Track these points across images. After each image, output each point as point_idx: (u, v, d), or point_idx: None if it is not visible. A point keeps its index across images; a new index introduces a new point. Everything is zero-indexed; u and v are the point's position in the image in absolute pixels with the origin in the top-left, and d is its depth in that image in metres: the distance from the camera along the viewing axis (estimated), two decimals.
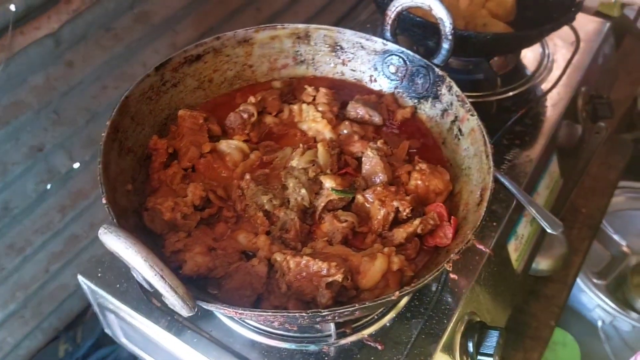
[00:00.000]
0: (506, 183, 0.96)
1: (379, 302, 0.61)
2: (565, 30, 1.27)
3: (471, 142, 0.80)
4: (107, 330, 0.91)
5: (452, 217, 0.76)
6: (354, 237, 0.75)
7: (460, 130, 0.84)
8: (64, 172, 1.21)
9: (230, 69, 0.96)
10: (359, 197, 0.77)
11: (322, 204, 0.75)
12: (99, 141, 1.24)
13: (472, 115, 0.80)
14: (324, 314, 0.60)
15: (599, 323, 1.60)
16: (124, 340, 0.90)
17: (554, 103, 1.15)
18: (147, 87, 0.85)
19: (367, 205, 0.76)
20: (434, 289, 0.84)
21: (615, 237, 1.67)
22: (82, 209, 1.27)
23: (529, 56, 1.25)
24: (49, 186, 1.19)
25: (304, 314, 0.60)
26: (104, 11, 1.14)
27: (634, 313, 1.57)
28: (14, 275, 1.23)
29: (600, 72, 1.31)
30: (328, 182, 0.76)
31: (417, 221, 0.74)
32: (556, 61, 1.24)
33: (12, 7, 0.98)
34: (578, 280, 1.53)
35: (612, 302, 1.56)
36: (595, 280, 1.59)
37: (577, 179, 1.22)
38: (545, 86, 1.18)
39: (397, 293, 0.60)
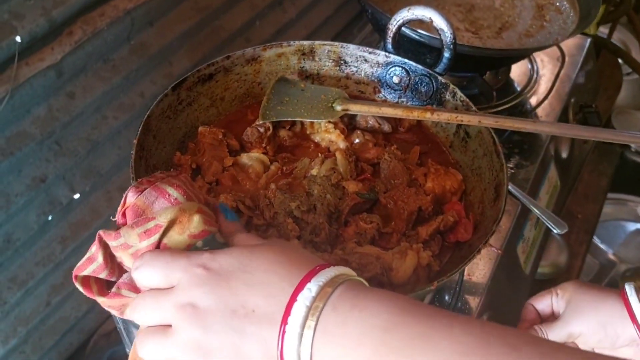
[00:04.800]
0: (511, 189, 1.00)
1: (419, 292, 0.63)
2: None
3: (479, 144, 0.84)
4: (128, 350, 0.91)
5: (471, 213, 0.79)
6: (380, 238, 0.78)
7: (467, 133, 0.88)
8: (65, 203, 1.21)
9: (240, 87, 0.99)
10: (382, 200, 0.79)
11: (347, 208, 0.78)
12: (99, 172, 1.26)
13: None
14: None
15: None
16: None
17: (547, 113, 1.21)
18: (166, 106, 0.87)
19: (390, 207, 0.79)
20: (452, 291, 0.86)
21: (603, 246, 1.72)
22: (82, 240, 1.26)
23: (519, 72, 1.31)
24: (50, 217, 1.19)
25: None
26: (102, 42, 1.16)
27: None
28: (16, 309, 1.21)
29: (585, 84, 1.37)
30: (351, 187, 0.79)
31: (438, 218, 0.77)
32: (544, 75, 1.31)
33: (18, 39, 1.00)
34: None
35: None
36: None
37: (571, 187, 1.27)
38: (537, 98, 1.24)
39: (435, 283, 0.63)
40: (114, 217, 0.64)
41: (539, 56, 1.35)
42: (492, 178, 0.80)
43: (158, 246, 0.58)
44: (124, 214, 0.61)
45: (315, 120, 0.93)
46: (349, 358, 0.48)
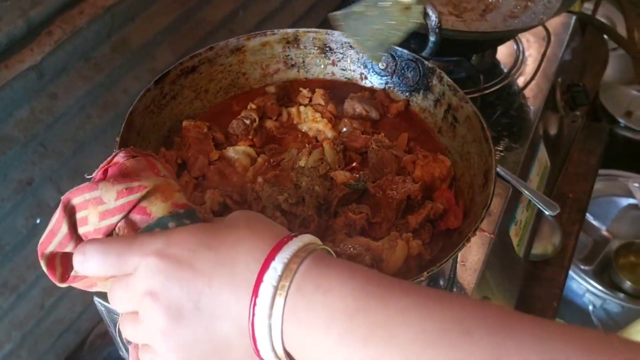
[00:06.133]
0: (501, 172, 0.99)
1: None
2: None
3: (468, 129, 0.84)
4: (121, 353, 0.91)
5: (460, 200, 0.79)
6: (370, 228, 0.78)
7: (455, 118, 0.87)
8: (53, 206, 1.19)
9: (225, 78, 0.99)
10: (371, 189, 0.79)
11: (336, 199, 0.77)
12: (85, 172, 1.24)
13: (465, 102, 0.84)
14: None
15: (590, 307, 1.65)
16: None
17: (534, 94, 1.20)
18: (149, 101, 0.86)
19: (379, 196, 0.78)
20: (446, 278, 0.86)
21: (596, 223, 1.73)
22: None
23: (505, 53, 1.30)
24: (38, 220, 1.17)
25: None
26: (83, 41, 1.14)
27: (621, 294, 1.62)
28: (9, 314, 1.20)
29: (572, 63, 1.37)
30: (339, 177, 0.78)
31: (428, 206, 0.76)
32: (531, 56, 1.30)
33: None
34: None
35: (600, 286, 1.61)
36: (582, 266, 1.64)
37: (560, 166, 1.27)
38: (524, 79, 1.24)
39: (425, 274, 0.63)
40: (89, 174, 0.61)
41: (524, 37, 1.35)
42: (481, 163, 0.79)
43: (134, 207, 0.55)
44: (105, 171, 0.58)
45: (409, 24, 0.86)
46: (318, 344, 0.48)
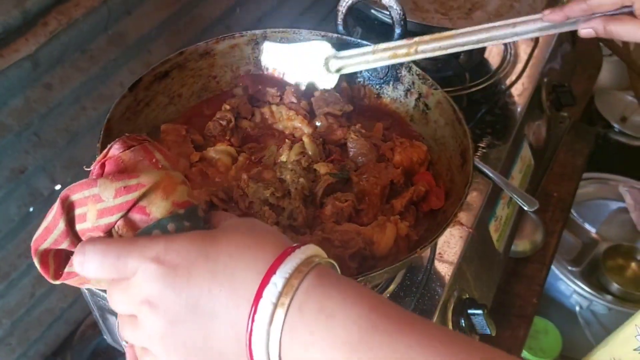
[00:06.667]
0: (482, 167, 1.01)
1: (405, 260, 0.69)
2: None
3: (440, 114, 0.87)
4: (106, 337, 0.92)
5: (440, 181, 0.81)
6: (357, 215, 0.80)
7: (426, 105, 0.90)
8: (47, 195, 1.21)
9: (196, 82, 1.00)
10: (354, 178, 0.81)
11: (322, 189, 0.79)
12: (80, 162, 1.26)
13: (435, 89, 0.88)
14: (359, 279, 0.65)
15: (577, 308, 1.66)
16: (125, 344, 0.91)
17: (519, 93, 1.22)
18: (124, 108, 0.88)
19: (362, 184, 0.80)
20: (423, 268, 0.88)
21: (585, 225, 1.74)
22: None
23: (493, 52, 1.32)
24: (31, 209, 1.19)
25: None
26: (79, 32, 1.16)
27: (608, 296, 1.63)
28: (0, 301, 1.22)
29: (560, 64, 1.39)
30: (322, 169, 0.80)
31: (410, 189, 0.79)
32: (518, 55, 1.32)
33: None
34: (554, 268, 1.59)
35: (587, 287, 1.62)
36: (570, 268, 1.65)
37: (546, 166, 1.28)
38: (510, 79, 1.26)
39: (418, 250, 0.66)
40: (88, 167, 0.59)
41: None
42: (457, 145, 0.82)
43: (132, 206, 0.54)
44: (102, 165, 0.57)
45: (316, 84, 0.93)
46: None
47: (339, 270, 0.54)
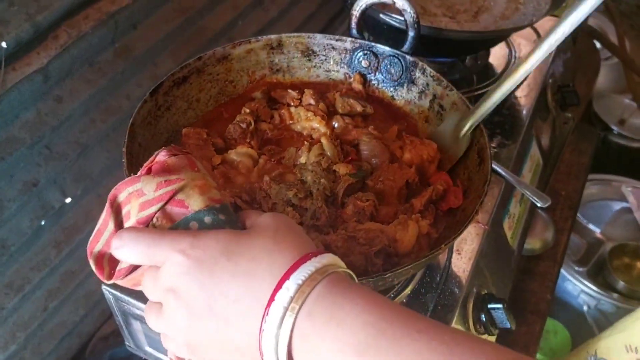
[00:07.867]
0: (494, 166, 1.02)
1: (430, 256, 0.69)
2: (527, 30, 1.37)
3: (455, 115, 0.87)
4: (128, 344, 0.92)
5: (458, 180, 0.82)
6: (377, 214, 0.81)
7: (441, 106, 0.91)
8: (58, 207, 1.21)
9: (213, 87, 1.02)
10: (369, 182, 0.83)
11: (342, 189, 0.80)
12: (90, 175, 1.27)
13: (450, 90, 0.89)
14: (387, 275, 0.66)
15: (585, 308, 1.67)
16: (148, 349, 0.91)
17: (525, 94, 1.24)
18: (146, 113, 0.89)
19: (379, 187, 0.81)
20: (442, 265, 0.88)
21: (590, 226, 1.76)
22: (76, 243, 1.27)
23: (498, 56, 1.34)
24: (43, 222, 1.19)
25: (369, 279, 0.65)
26: (88, 45, 1.17)
27: (615, 294, 1.64)
28: (14, 315, 1.21)
29: (563, 66, 1.41)
30: (342, 169, 0.81)
31: (429, 189, 0.80)
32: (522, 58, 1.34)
33: (4, 44, 1.01)
34: (561, 269, 1.60)
35: (594, 286, 1.63)
36: (576, 268, 1.66)
37: (553, 165, 1.30)
38: None
39: (443, 246, 0.67)
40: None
41: (516, 40, 1.39)
42: (473, 144, 0.83)
43: (171, 197, 0.57)
44: (149, 169, 0.60)
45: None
46: None
47: (356, 279, 0.56)
